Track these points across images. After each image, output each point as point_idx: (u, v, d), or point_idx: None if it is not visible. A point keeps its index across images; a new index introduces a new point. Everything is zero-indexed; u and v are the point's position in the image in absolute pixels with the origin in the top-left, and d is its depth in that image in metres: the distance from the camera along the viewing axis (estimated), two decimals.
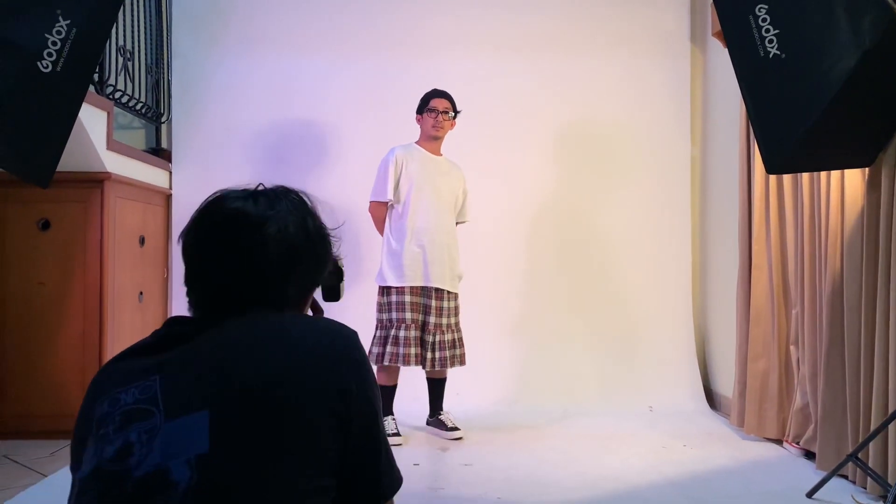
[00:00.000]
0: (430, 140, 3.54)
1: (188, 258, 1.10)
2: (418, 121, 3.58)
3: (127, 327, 3.73)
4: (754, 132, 2.46)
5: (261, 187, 1.15)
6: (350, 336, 1.06)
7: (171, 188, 4.30)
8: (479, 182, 3.96)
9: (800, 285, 3.22)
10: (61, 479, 2.87)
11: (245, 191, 1.12)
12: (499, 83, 4.40)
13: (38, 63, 2.22)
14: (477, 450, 3.31)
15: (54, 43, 2.23)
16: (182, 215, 4.30)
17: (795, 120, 2.36)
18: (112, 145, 3.52)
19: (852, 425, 2.78)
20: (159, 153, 4.28)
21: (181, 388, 0.95)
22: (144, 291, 3.95)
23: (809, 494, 2.66)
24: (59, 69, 2.25)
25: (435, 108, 3.49)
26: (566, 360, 4.30)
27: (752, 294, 3.52)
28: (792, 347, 3.35)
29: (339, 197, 4.20)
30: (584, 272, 4.41)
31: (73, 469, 1.03)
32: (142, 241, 3.92)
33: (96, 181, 3.47)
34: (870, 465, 2.60)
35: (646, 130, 4.45)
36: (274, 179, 3.89)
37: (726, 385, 4.04)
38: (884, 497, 2.49)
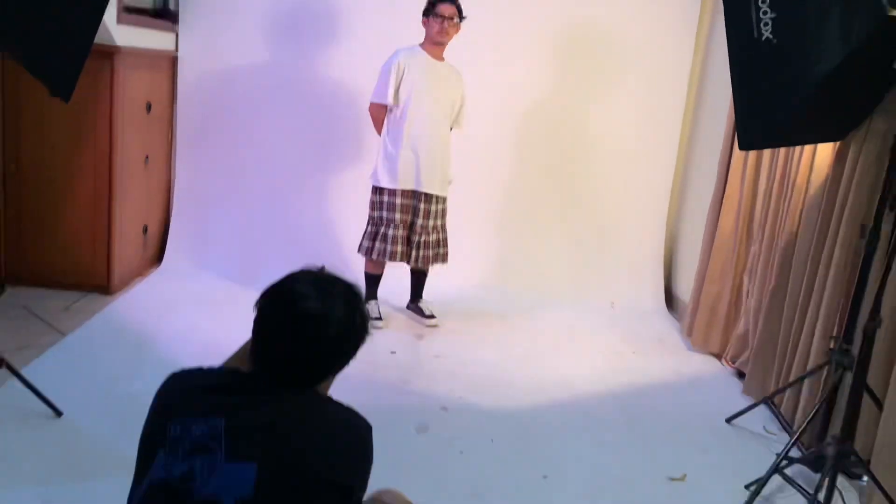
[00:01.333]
0: (435, 45, 3.61)
1: (259, 334, 1.36)
2: (424, 24, 3.62)
3: (134, 189, 3.97)
4: (734, 108, 2.61)
5: (325, 272, 1.40)
6: (366, 436, 1.37)
7: (177, 51, 4.35)
8: (474, 83, 4.03)
9: (762, 225, 3.47)
10: (78, 340, 3.25)
11: (314, 283, 1.36)
12: None
13: None
14: (449, 340, 3.70)
15: None
16: (188, 79, 4.40)
17: (775, 105, 2.50)
18: (122, 18, 3.58)
19: (778, 363, 3.15)
20: (166, 14, 4.29)
21: (240, 437, 1.24)
22: (150, 156, 4.15)
23: (728, 420, 3.08)
24: None
25: (441, 13, 3.53)
26: (542, 255, 4.61)
27: (720, 223, 3.78)
28: (745, 277, 3.67)
29: (346, 80, 4.29)
30: (569, 171, 4.60)
31: (140, 455, 1.31)
32: (148, 107, 4.06)
33: (106, 54, 3.55)
34: (783, 404, 3.00)
35: (649, 37, 4.46)
36: (281, 47, 4.02)
37: (686, 290, 4.39)
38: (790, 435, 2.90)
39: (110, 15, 3.46)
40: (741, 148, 2.71)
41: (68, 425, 2.54)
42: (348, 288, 1.41)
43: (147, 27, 3.95)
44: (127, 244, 3.96)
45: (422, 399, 3.03)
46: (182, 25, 4.34)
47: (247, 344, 1.53)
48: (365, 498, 1.50)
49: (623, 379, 3.46)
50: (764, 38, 2.48)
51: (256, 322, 1.36)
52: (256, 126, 4.44)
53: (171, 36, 4.31)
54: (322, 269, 1.43)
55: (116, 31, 3.53)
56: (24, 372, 2.65)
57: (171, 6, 4.34)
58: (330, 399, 1.41)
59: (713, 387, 3.48)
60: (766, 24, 2.47)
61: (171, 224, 4.47)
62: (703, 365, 3.73)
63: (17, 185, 3.69)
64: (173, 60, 4.35)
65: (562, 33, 4.44)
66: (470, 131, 4.08)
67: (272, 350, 1.35)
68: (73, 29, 2.39)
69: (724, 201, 3.77)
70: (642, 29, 4.45)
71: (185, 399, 1.32)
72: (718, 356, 3.80)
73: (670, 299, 4.66)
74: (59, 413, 2.58)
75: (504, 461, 2.62)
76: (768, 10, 2.46)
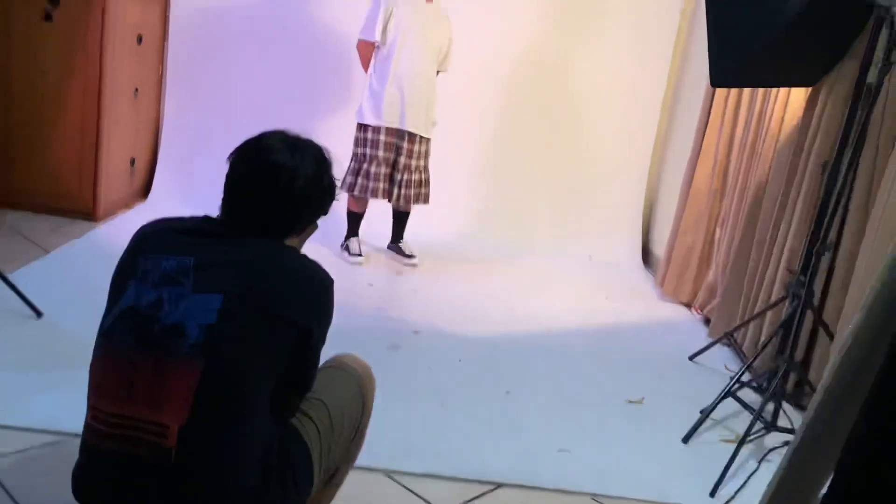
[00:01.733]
0: None
1: (230, 185, 1.45)
2: None
3: (122, 121, 4.02)
4: (708, 44, 2.68)
5: (293, 133, 1.48)
6: (328, 286, 1.46)
7: None
8: (462, 29, 4.08)
9: (736, 177, 3.56)
10: (62, 256, 3.32)
11: (284, 140, 1.45)
12: None
13: None
14: (427, 278, 3.79)
15: None
16: (180, 13, 4.43)
17: (747, 42, 2.57)
18: None
19: (742, 306, 3.25)
20: None
21: (207, 273, 1.33)
22: (140, 88, 4.19)
23: (691, 357, 3.18)
24: None
25: None
26: (524, 204, 4.69)
27: (696, 176, 3.86)
28: (718, 229, 3.76)
29: (336, 20, 4.34)
30: (554, 123, 4.67)
31: (112, 289, 1.41)
32: (139, 39, 4.10)
33: None
34: (745, 344, 3.11)
35: None
36: None
37: (663, 246, 4.48)
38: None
39: None
40: (712, 84, 2.79)
41: (47, 324, 2.62)
42: (318, 150, 1.49)
43: None
44: (114, 174, 4.01)
45: (395, 324, 3.12)
46: None
47: None
48: (323, 362, 1.59)
49: (594, 319, 3.55)
50: None
51: (227, 174, 1.44)
52: (247, 63, 4.48)
53: None
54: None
55: None
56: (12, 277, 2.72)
57: None
58: (295, 249, 1.48)
59: (680, 331, 3.58)
60: None
61: (159, 159, 4.52)
62: (672, 312, 3.83)
63: (5, 109, 3.73)
64: None
65: None
66: (456, 76, 4.15)
67: (239, 199, 1.43)
68: None
69: (700, 154, 3.86)
70: None
71: (158, 239, 1.40)
72: (688, 305, 3.90)
73: (647, 255, 4.75)
74: (39, 314, 2.66)
75: (470, 378, 2.72)
76: None
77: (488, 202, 4.65)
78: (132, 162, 4.25)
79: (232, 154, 1.46)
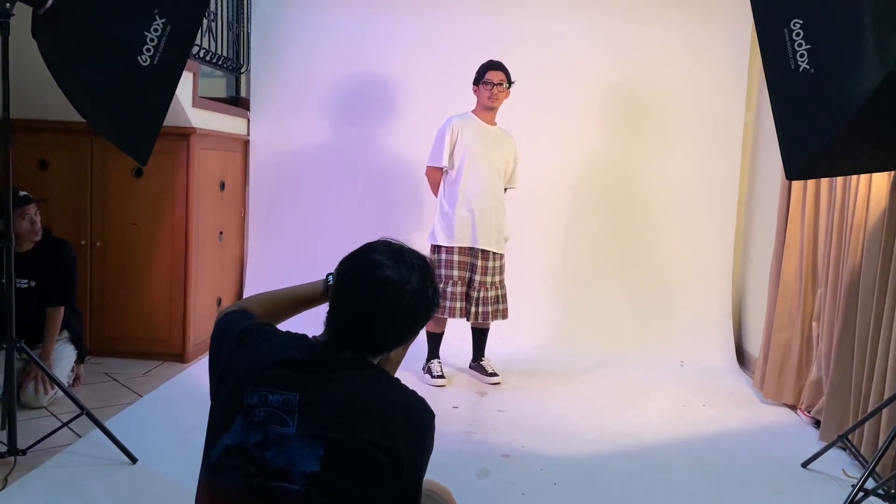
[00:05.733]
0: (485, 110, 3.79)
1: (335, 300, 1.44)
2: (475, 91, 3.81)
3: (208, 263, 4.20)
4: (778, 139, 2.64)
5: (400, 244, 1.47)
6: (431, 424, 1.42)
7: (248, 135, 4.66)
8: (529, 142, 4.19)
9: (825, 268, 3.41)
10: (154, 399, 3.39)
11: (390, 253, 1.44)
12: (555, 43, 4.54)
13: (139, 58, 2.55)
14: (512, 396, 3.69)
15: (152, 39, 2.55)
16: (259, 160, 4.70)
17: (818, 132, 2.52)
18: (197, 103, 3.89)
19: (854, 404, 3.03)
20: (238, 101, 4.64)
21: (312, 414, 1.32)
22: (224, 231, 4.39)
23: (804, 464, 2.95)
24: (155, 62, 2.58)
25: (490, 80, 3.72)
26: (605, 313, 4.60)
27: (783, 270, 3.72)
28: (814, 323, 3.57)
29: (404, 151, 4.50)
30: (627, 229, 4.64)
31: (215, 415, 1.40)
32: (222, 185, 4.33)
33: (183, 135, 3.86)
34: (863, 445, 2.87)
35: (699, 94, 4.56)
36: (343, 126, 4.31)
37: (757, 345, 4.28)
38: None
39: (186, 99, 3.76)
40: (788, 177, 2.72)
41: (142, 470, 2.64)
42: (422, 259, 1.48)
43: (221, 112, 4.27)
44: (201, 315, 4.15)
45: (484, 448, 3.02)
46: (253, 111, 4.67)
47: (310, 285, 1.68)
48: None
49: (693, 429, 3.36)
50: (801, 69, 2.52)
51: (333, 289, 1.45)
52: (323, 200, 4.67)
53: (244, 121, 4.63)
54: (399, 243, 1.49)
55: (192, 113, 3.83)
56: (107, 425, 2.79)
57: (244, 94, 4.69)
58: (397, 381, 1.46)
59: (788, 435, 3.35)
60: (801, 56, 2.52)
61: (244, 296, 4.67)
62: (777, 415, 3.60)
63: (101, 260, 3.96)
64: (245, 143, 4.66)
65: (610, 93, 4.57)
66: (525, 191, 4.21)
67: (347, 315, 1.42)
68: (150, 100, 2.63)
69: (785, 247, 3.73)
70: (692, 84, 4.55)
71: (261, 369, 1.39)
72: (793, 406, 3.67)
73: (741, 356, 4.54)
74: (134, 460, 2.69)
75: (567, 503, 2.57)
76: (802, 42, 2.52)
77: (568, 313, 4.58)
78: (219, 302, 4.40)
79: (338, 267, 1.46)
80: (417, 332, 1.50)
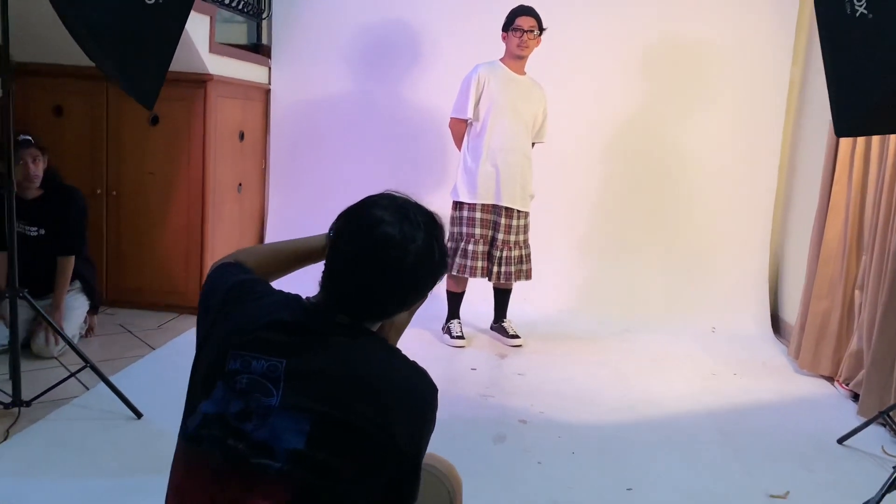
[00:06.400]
0: (515, 59, 3.59)
1: (332, 260, 1.29)
2: (503, 38, 3.61)
3: (226, 216, 4.10)
4: (828, 91, 2.42)
5: (405, 199, 1.32)
6: (433, 402, 1.29)
7: (269, 84, 4.52)
8: (560, 95, 3.98)
9: (872, 233, 3.20)
10: (166, 353, 3.33)
11: (393, 209, 1.28)
12: None
13: None
14: (533, 359, 3.56)
15: None
16: (280, 110, 4.55)
17: (874, 85, 2.30)
18: (214, 48, 3.74)
19: None
20: (259, 49, 4.49)
21: (299, 383, 1.19)
22: (243, 183, 4.29)
23: (840, 440, 2.79)
24: (161, 1, 2.44)
25: (520, 26, 3.51)
26: (634, 275, 4.42)
27: (825, 235, 3.51)
28: (857, 292, 3.37)
29: (430, 103, 4.32)
30: (661, 190, 4.43)
31: (196, 380, 1.28)
32: (241, 136, 4.21)
33: (199, 82, 3.73)
34: None
35: (742, 45, 4.29)
36: (367, 75, 4.14)
37: (794, 315, 4.09)
38: None
39: (203, 45, 3.63)
40: (837, 134, 2.50)
41: (146, 426, 2.58)
42: (429, 217, 1.32)
43: (240, 59, 4.12)
44: None
45: (501, 412, 2.90)
46: (274, 59, 4.51)
47: (312, 239, 1.54)
48: None
49: (721, 400, 3.21)
50: (858, 13, 2.30)
51: (330, 247, 1.30)
52: (345, 152, 4.53)
53: (265, 69, 4.48)
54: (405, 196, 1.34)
55: (209, 59, 3.70)
56: (112, 379, 2.72)
57: (265, 41, 4.53)
58: (397, 352, 1.33)
59: (823, 409, 3.18)
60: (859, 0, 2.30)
61: None
62: (813, 387, 3.43)
63: (117, 210, 3.88)
64: (267, 92, 4.52)
65: (650, 45, 4.33)
66: (554, 147, 4.02)
67: (343, 277, 1.28)
68: (157, 41, 2.50)
69: (829, 211, 3.51)
70: (736, 38, 4.29)
71: (247, 331, 1.26)
72: (830, 378, 3.49)
73: (776, 324, 4.35)
74: (139, 415, 2.62)
75: (585, 473, 2.45)
76: None
77: (595, 276, 4.41)
78: None
79: (335, 223, 1.30)
80: (422, 298, 1.34)
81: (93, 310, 3.48)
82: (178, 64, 3.63)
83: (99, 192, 3.84)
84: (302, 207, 4.56)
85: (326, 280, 1.29)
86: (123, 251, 3.92)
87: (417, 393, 1.26)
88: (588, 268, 4.44)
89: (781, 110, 4.36)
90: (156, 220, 3.88)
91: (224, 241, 4.10)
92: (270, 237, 4.59)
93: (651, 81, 4.35)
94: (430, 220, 1.31)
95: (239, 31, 4.55)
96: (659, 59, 4.33)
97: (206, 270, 3.79)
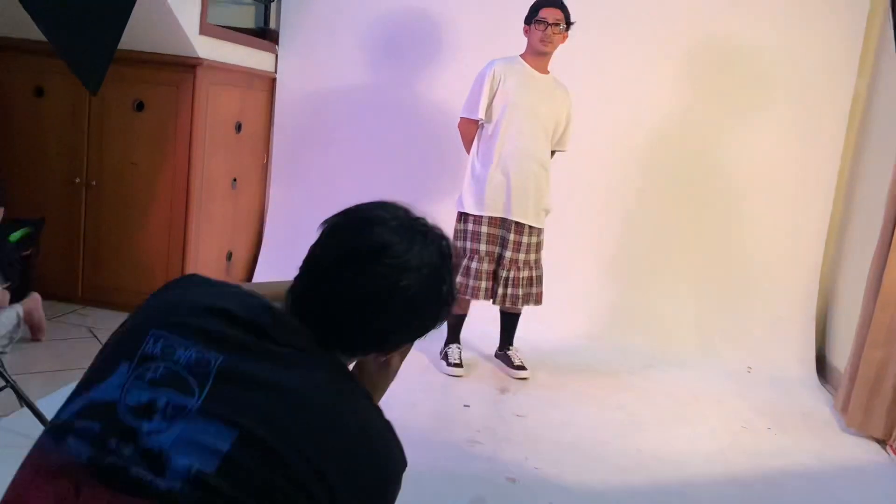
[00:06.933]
0: (537, 55, 3.16)
1: (313, 259, 1.03)
2: (525, 32, 3.18)
3: (217, 212, 3.77)
4: None
5: (417, 216, 1.05)
6: (396, 478, 0.99)
7: (276, 72, 4.17)
8: (587, 99, 3.54)
9: None
10: None
11: (399, 217, 1.03)
12: None
13: None
14: (538, 396, 3.14)
15: None
16: (287, 100, 4.20)
17: None
18: (206, 30, 3.40)
19: None
20: (266, 34, 4.14)
21: (230, 388, 0.89)
22: (239, 178, 3.94)
23: None
24: None
25: (544, 19, 3.08)
26: (662, 305, 3.96)
27: (887, 275, 3.01)
28: None
29: (447, 100, 3.91)
30: (699, 209, 3.96)
31: (95, 361, 0.99)
32: (238, 127, 3.87)
33: (188, 66, 3.39)
34: None
35: (800, 53, 3.79)
36: (382, 68, 3.70)
37: (844, 358, 3.60)
38: None
39: (191, 25, 3.28)
40: None
41: None
42: (444, 240, 1.06)
43: (239, 43, 3.77)
44: (205, 269, 3.73)
45: (487, 465, 2.49)
46: (282, 46, 4.16)
47: (279, 284, 1.22)
48: None
49: (751, 462, 2.75)
50: None
51: (313, 245, 1.03)
52: (354, 149, 4.16)
53: (271, 56, 4.13)
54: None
55: (199, 42, 3.36)
56: (57, 394, 2.39)
57: (273, 25, 4.18)
58: (368, 396, 1.02)
59: (872, 479, 2.71)
60: None
61: (262, 251, 4.24)
62: (861, 451, 2.94)
63: (96, 201, 3.57)
64: (272, 81, 4.16)
65: (696, 49, 3.85)
66: (579, 156, 3.59)
67: (319, 283, 1.00)
68: (103, 22, 2.18)
69: (892, 247, 3.02)
70: (793, 43, 3.79)
71: (179, 310, 0.97)
72: (882, 442, 3.00)
73: (823, 367, 3.85)
74: None
75: None
76: None
77: (618, 301, 3.96)
78: (229, 256, 3.98)
79: (328, 219, 1.05)
80: (412, 337, 1.07)
81: (18, 296, 2.98)
82: (162, 45, 3.33)
83: (77, 181, 3.54)
84: (304, 206, 4.19)
85: (298, 283, 1.02)
86: (101, 247, 3.61)
87: (382, 456, 0.97)
88: (612, 291, 4.00)
89: (842, 126, 3.85)
90: (137, 215, 3.56)
91: (213, 240, 3.77)
92: (269, 238, 4.25)
93: (694, 87, 3.88)
94: (445, 245, 1.05)
95: (245, 13, 4.21)
96: (704, 62, 3.85)
97: (189, 270, 3.52)
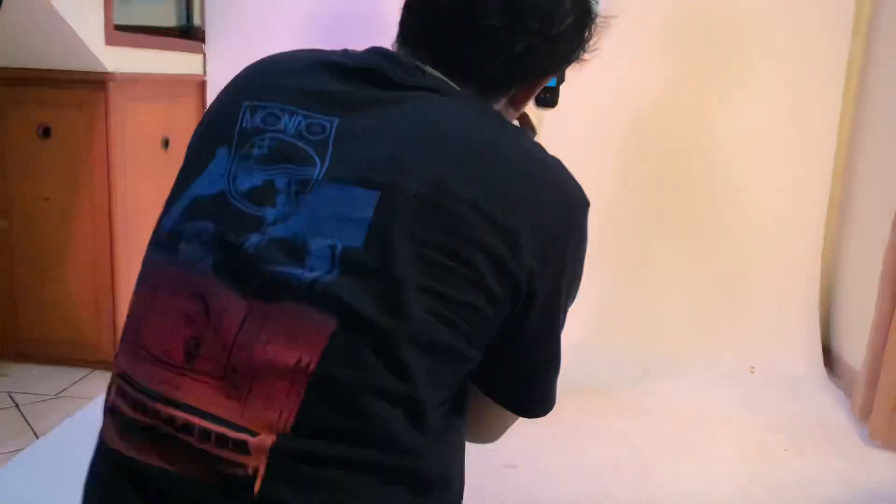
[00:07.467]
0: None
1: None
2: None
3: (146, 245, 3.31)
4: None
5: None
6: (582, 218, 0.88)
7: (205, 74, 3.69)
8: (567, 83, 3.14)
9: None
10: (54, 443, 2.58)
11: None
12: None
13: None
14: (529, 435, 2.78)
15: None
16: None
17: None
18: (112, 38, 2.92)
19: None
20: (190, 32, 3.65)
21: (357, 149, 0.75)
22: None
23: None
24: None
25: None
26: (655, 300, 3.64)
27: None
28: None
29: None
30: (686, 193, 3.62)
31: (188, 158, 0.89)
32: (166, 143, 3.41)
33: (96, 83, 2.92)
34: None
35: (789, 15, 3.43)
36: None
37: (852, 350, 3.32)
38: None
39: (94, 34, 2.80)
40: None
41: None
42: None
43: (157, 48, 3.29)
44: None
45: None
46: (209, 44, 3.68)
47: None
48: None
49: (774, 498, 2.43)
50: None
51: None
52: None
53: (198, 57, 3.65)
54: None
55: (106, 54, 2.88)
56: None
57: (198, 22, 3.70)
58: (521, 128, 0.95)
59: None
60: None
61: None
62: (891, 472, 2.64)
63: (9, 244, 3.12)
64: (201, 85, 3.69)
65: (673, 18, 3.46)
66: (555, 143, 3.18)
67: (439, 14, 0.90)
68: None
69: None
70: (780, 5, 3.41)
71: (276, 78, 0.84)
72: None
73: (829, 359, 3.56)
74: None
75: None
76: None
77: (607, 302, 3.62)
78: None
79: None
80: (552, 71, 0.95)
81: None
82: (62, 60, 2.85)
83: None
84: None
85: (406, 25, 0.96)
86: (20, 295, 3.15)
87: (563, 192, 0.87)
88: (599, 292, 3.64)
89: (838, 91, 3.50)
90: (57, 257, 3.11)
91: None
92: None
93: (676, 62, 3.50)
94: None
95: (163, 11, 3.71)
96: (685, 34, 3.47)
97: (120, 314, 3.09)
